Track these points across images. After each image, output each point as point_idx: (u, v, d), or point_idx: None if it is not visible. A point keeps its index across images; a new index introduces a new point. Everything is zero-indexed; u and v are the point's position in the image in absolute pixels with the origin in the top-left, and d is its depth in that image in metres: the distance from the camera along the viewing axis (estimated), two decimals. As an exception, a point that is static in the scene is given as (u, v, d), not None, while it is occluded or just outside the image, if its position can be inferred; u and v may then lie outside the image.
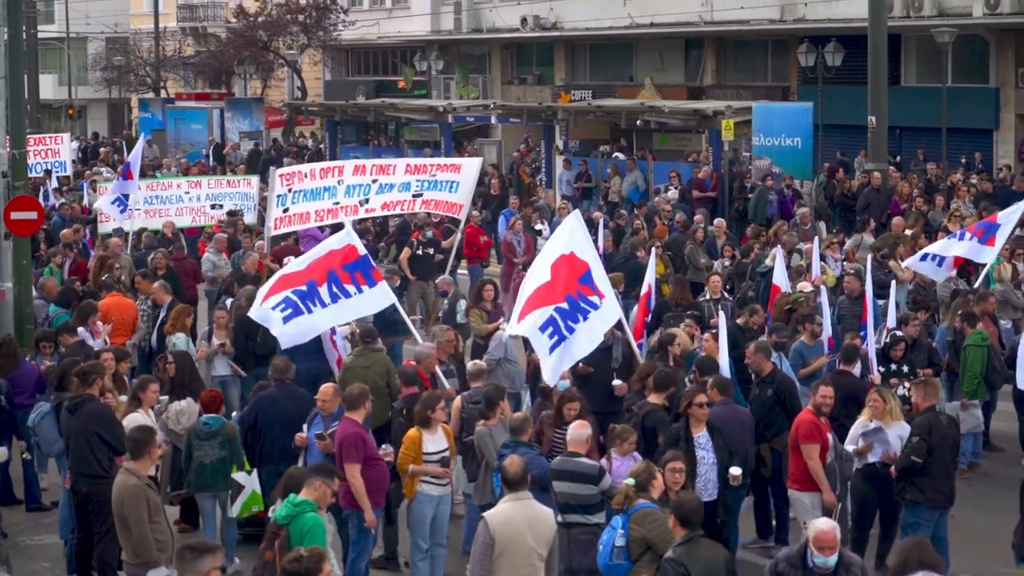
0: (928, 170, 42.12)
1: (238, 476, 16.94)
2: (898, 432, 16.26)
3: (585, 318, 17.92)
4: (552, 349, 17.55)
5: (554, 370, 17.62)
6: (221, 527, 17.32)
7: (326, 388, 16.99)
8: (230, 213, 33.42)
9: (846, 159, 46.57)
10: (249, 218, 34.00)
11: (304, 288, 19.69)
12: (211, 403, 17.57)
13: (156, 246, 29.84)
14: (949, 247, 24.23)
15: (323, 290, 19.73)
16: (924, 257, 24.12)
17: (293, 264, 20.86)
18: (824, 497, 15.83)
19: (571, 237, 18.70)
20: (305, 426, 16.94)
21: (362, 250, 20.36)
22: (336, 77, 75.61)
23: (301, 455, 16.84)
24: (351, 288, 19.93)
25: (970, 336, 20.29)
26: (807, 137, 41.26)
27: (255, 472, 17.08)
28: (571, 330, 17.73)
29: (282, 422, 17.43)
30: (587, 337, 18.02)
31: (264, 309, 19.71)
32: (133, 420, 16.39)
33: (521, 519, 12.76)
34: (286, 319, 19.59)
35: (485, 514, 13.05)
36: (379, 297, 20.50)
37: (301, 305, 19.62)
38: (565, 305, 17.84)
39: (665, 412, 16.76)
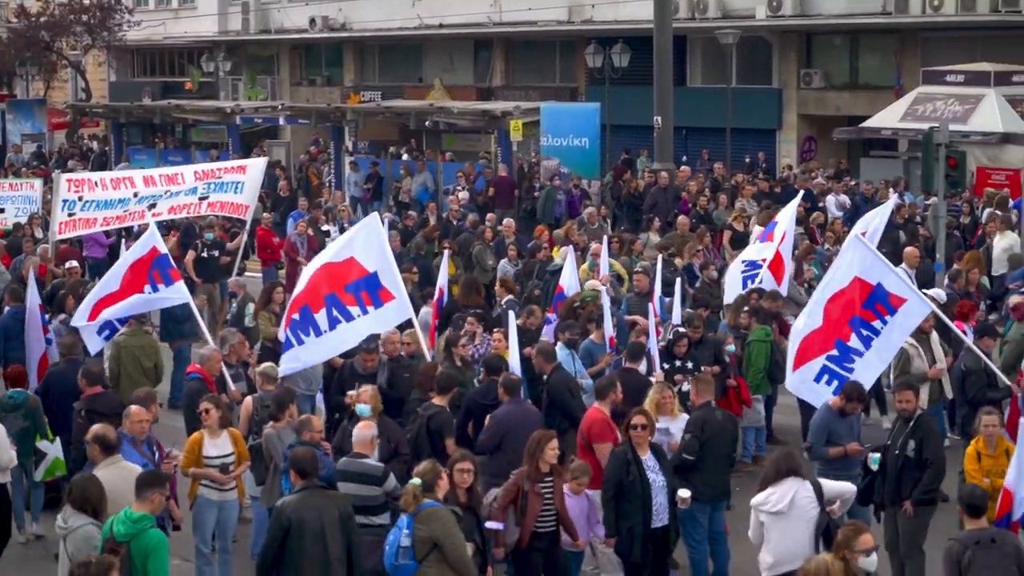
0: (714, 170, 42.73)
1: (42, 444, 18.16)
2: (681, 427, 16.44)
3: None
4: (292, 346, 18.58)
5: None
6: (28, 492, 18.49)
7: None
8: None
9: (628, 156, 47.06)
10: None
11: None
12: (16, 379, 18.83)
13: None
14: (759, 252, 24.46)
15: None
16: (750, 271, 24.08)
17: (110, 281, 20.83)
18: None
19: (352, 243, 18.94)
20: None
21: (162, 249, 20.62)
22: (121, 78, 74.42)
23: None
24: (148, 289, 20.26)
25: (754, 332, 20.57)
26: (594, 137, 41.60)
27: (57, 440, 18.17)
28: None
29: (72, 395, 18.03)
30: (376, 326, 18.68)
31: (88, 326, 20.55)
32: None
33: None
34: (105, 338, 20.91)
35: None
36: (174, 296, 20.69)
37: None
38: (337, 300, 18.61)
39: (449, 413, 16.79)
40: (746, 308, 21.20)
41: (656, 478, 14.98)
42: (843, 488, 14.45)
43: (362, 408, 16.04)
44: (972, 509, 12.69)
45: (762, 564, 13.88)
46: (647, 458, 15.03)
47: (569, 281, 23.43)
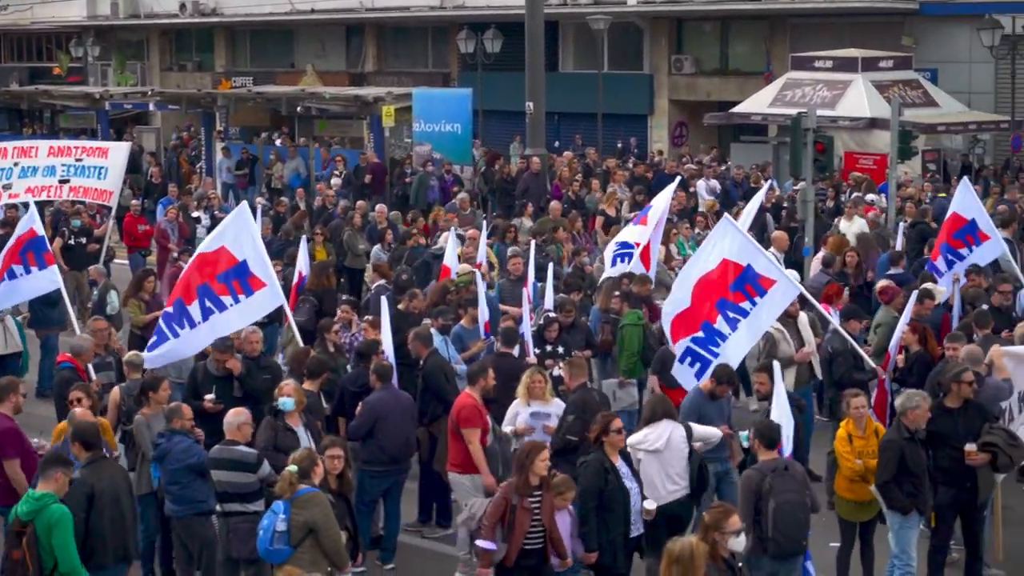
0: (587, 155, 42.92)
1: None
2: (553, 411, 16.49)
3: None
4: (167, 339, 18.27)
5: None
6: None
7: None
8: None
9: (492, 149, 47.01)
10: None
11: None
12: None
13: None
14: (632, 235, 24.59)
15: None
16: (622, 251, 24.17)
17: None
18: (484, 479, 15.96)
19: (223, 232, 18.98)
20: None
21: (40, 231, 20.42)
22: (-12, 63, 73.42)
23: None
24: (19, 269, 19.87)
25: (626, 316, 20.61)
26: (467, 123, 41.59)
27: None
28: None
29: None
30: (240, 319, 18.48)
31: None
32: None
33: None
34: None
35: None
36: (46, 280, 20.32)
37: None
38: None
39: (319, 398, 16.75)
40: (617, 292, 21.30)
41: (632, 485, 14.27)
42: (709, 432, 15.56)
43: (285, 402, 15.80)
44: (768, 441, 13.99)
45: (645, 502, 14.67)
46: (619, 464, 14.28)
47: (452, 264, 23.48)
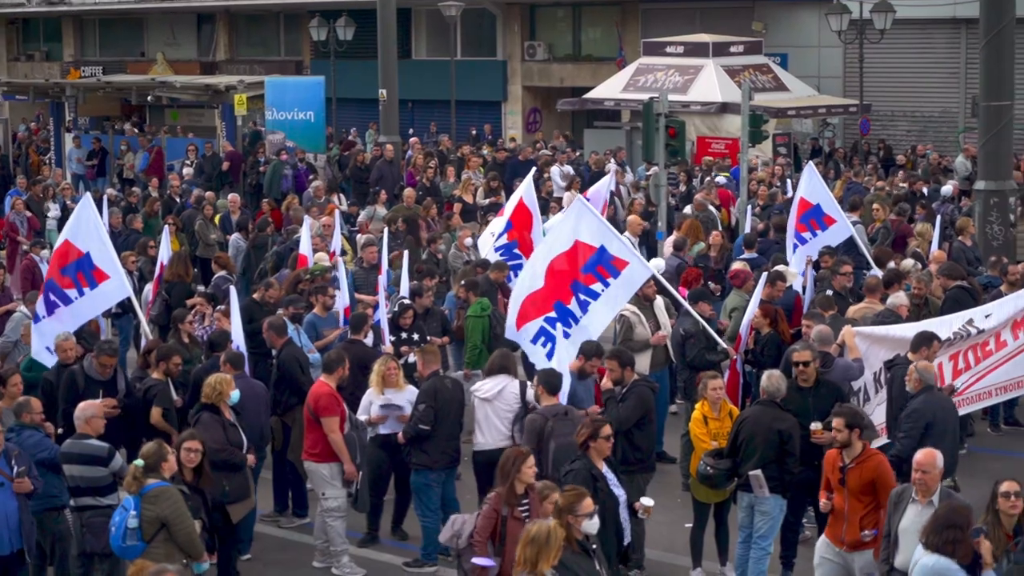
0: (440, 142, 42.89)
1: None
2: (407, 398, 16.49)
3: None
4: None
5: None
6: None
7: None
8: None
9: (346, 134, 46.94)
10: None
11: None
12: None
13: None
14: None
15: None
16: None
17: None
18: (344, 467, 15.90)
19: (70, 226, 18.88)
20: None
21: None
22: None
23: None
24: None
25: (471, 306, 20.55)
26: (320, 111, 41.44)
27: None
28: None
29: None
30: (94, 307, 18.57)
31: None
32: None
33: None
34: None
35: None
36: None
37: None
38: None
39: (167, 386, 16.62)
40: (463, 281, 21.33)
41: (619, 492, 13.42)
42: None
43: (235, 395, 15.58)
44: (551, 388, 15.40)
45: (474, 442, 16.29)
46: (605, 471, 13.44)
47: (308, 252, 23.37)
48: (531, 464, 13.13)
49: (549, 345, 17.27)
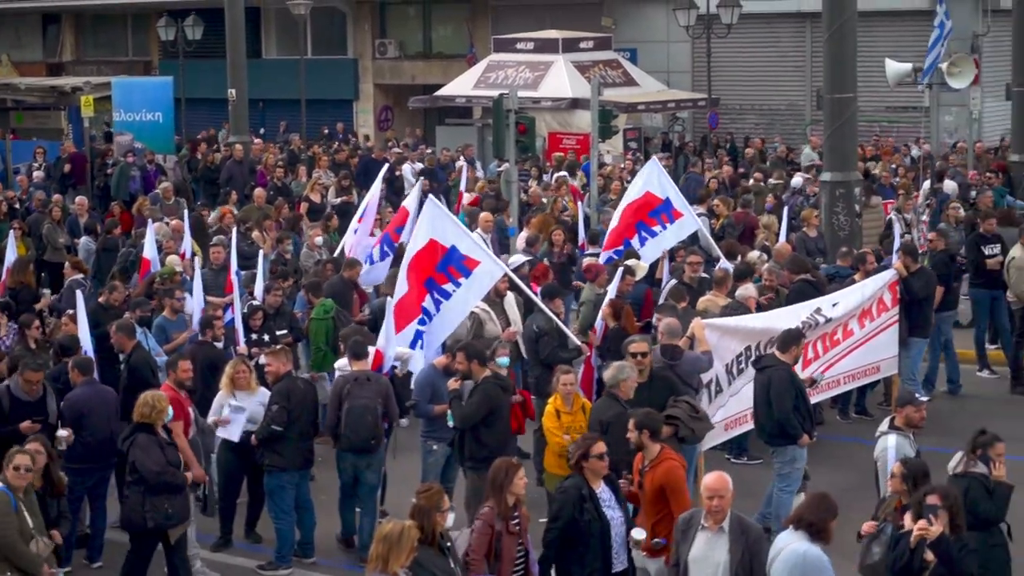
0: (291, 141, 42.67)
1: None
2: (260, 400, 16.36)
3: None
4: None
5: None
6: None
7: None
8: None
9: (204, 134, 46.49)
10: None
11: None
12: None
13: None
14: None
15: None
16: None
17: None
18: (193, 472, 15.69)
19: None
20: None
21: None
22: None
23: None
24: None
25: (315, 308, 20.42)
26: (168, 111, 41.05)
27: None
28: None
29: None
30: None
31: None
32: None
33: None
34: None
35: None
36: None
37: None
38: None
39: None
40: (304, 284, 21.24)
41: (614, 515, 12.77)
42: (405, 352, 17.41)
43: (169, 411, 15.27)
44: (355, 353, 16.56)
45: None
46: (601, 491, 12.81)
47: (152, 256, 23.12)
48: (522, 475, 12.51)
49: (419, 343, 17.50)
